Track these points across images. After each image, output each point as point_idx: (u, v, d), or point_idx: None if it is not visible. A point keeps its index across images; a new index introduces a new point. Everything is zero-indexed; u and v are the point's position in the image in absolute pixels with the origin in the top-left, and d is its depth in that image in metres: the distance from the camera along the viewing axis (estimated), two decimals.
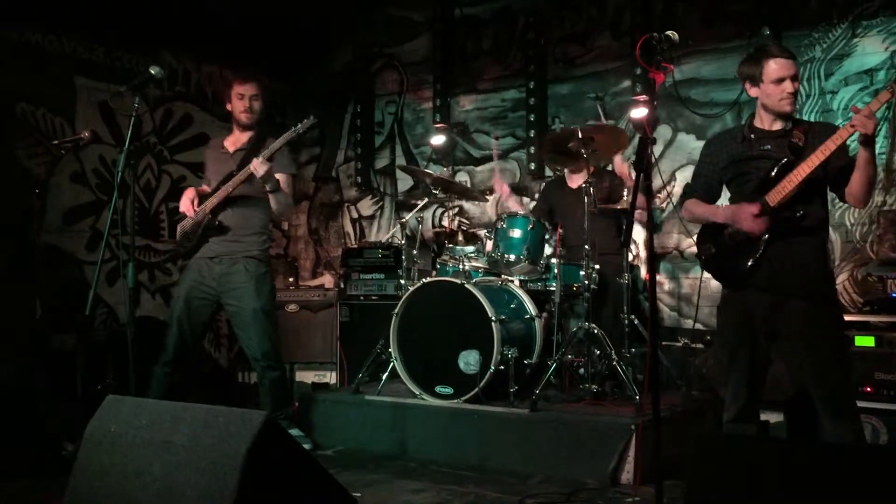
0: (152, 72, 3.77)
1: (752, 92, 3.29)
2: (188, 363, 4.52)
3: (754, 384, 3.26)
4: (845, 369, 3.23)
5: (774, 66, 3.20)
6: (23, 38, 5.46)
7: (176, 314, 4.44)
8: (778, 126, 3.28)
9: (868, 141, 3.02)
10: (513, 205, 5.55)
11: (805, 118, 5.22)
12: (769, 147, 3.25)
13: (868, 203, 3.42)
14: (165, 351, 4.40)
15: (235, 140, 4.59)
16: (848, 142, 3.11)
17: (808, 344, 3.14)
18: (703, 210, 3.42)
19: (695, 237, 3.55)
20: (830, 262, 3.33)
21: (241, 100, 4.49)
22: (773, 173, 3.17)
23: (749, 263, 3.19)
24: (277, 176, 4.36)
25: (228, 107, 4.57)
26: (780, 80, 3.20)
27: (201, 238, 4.43)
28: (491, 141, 6.48)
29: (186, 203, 4.47)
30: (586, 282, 4.50)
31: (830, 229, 5.13)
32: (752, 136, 3.30)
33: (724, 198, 3.51)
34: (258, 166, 4.18)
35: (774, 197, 3.15)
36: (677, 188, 5.46)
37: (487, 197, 6.36)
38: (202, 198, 4.49)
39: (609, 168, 5.26)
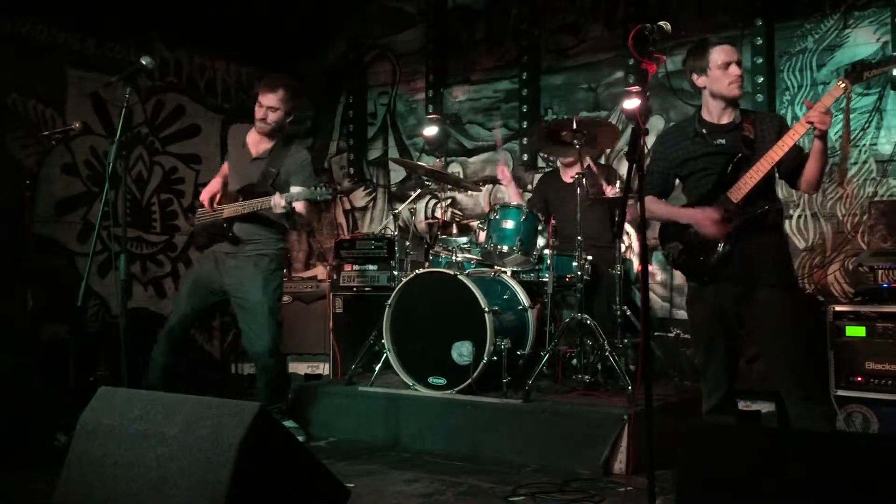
0: (143, 62, 3.74)
1: (700, 82, 3.38)
2: (185, 347, 4.51)
3: (732, 373, 3.33)
4: (812, 353, 3.32)
5: (719, 52, 3.32)
6: (14, 29, 5.43)
7: (186, 292, 4.49)
8: (727, 118, 3.37)
9: (823, 134, 3.11)
10: (513, 193, 5.50)
11: (795, 111, 5.25)
12: (723, 141, 3.34)
13: (819, 189, 3.52)
14: (169, 322, 4.45)
15: (257, 143, 4.53)
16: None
17: (776, 329, 3.23)
18: (665, 211, 3.49)
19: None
20: (790, 250, 3.45)
21: (260, 108, 4.43)
22: (730, 169, 3.25)
23: (717, 259, 3.25)
24: (296, 205, 4.31)
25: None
26: (726, 65, 3.30)
27: (212, 238, 4.47)
28: (494, 133, 6.43)
29: (208, 195, 4.54)
30: (579, 273, 4.51)
31: (822, 219, 5.18)
32: (704, 130, 3.36)
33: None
34: (277, 205, 4.18)
35: (737, 194, 3.25)
36: None
37: (480, 188, 6.35)
38: (224, 193, 4.53)
39: (602, 162, 5.27)
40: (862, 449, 2.17)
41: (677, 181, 3.59)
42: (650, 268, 5.71)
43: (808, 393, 3.25)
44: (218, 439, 2.48)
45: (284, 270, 7.12)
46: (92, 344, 5.29)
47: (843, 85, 3.13)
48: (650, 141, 5.60)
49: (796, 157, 3.28)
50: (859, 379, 4.16)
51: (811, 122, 3.10)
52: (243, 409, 2.55)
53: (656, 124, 5.75)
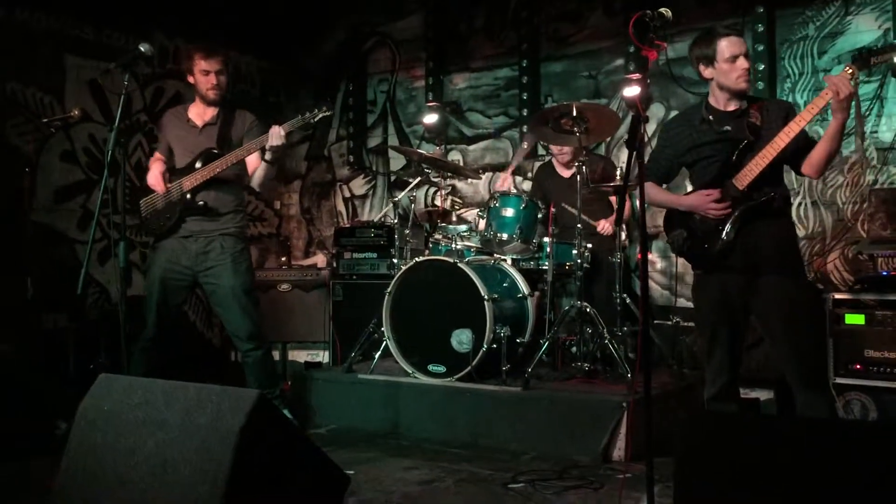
0: (142, 49, 3.72)
1: (707, 73, 3.34)
2: (167, 342, 4.43)
3: (735, 361, 3.32)
4: (819, 342, 3.30)
5: (727, 45, 3.27)
6: (11, 16, 5.40)
7: (154, 299, 4.30)
8: (734, 106, 3.34)
9: (841, 107, 3.04)
10: (504, 184, 5.51)
11: (800, 97, 5.23)
12: (729, 128, 3.31)
13: (822, 174, 3.49)
14: (145, 330, 4.31)
15: (201, 113, 4.42)
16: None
17: (783, 316, 3.22)
18: (666, 198, 3.48)
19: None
20: (797, 238, 3.43)
21: (207, 76, 4.32)
22: (735, 156, 3.23)
23: (722, 246, 3.24)
24: (251, 162, 4.27)
25: (191, 79, 4.41)
26: (733, 58, 3.25)
27: (179, 218, 4.29)
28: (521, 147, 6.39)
29: (157, 178, 4.31)
30: (579, 261, 4.51)
31: (822, 207, 5.17)
32: (711, 117, 3.34)
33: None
34: (276, 136, 4.08)
35: (742, 181, 3.22)
36: None
37: (480, 175, 6.35)
38: (172, 173, 4.36)
39: (601, 154, 5.26)
40: (860, 437, 2.17)
41: (683, 169, 3.57)
42: (650, 256, 5.71)
43: (815, 382, 3.24)
44: (218, 426, 2.49)
45: (284, 259, 7.18)
46: (92, 332, 5.29)
47: (851, 71, 3.09)
48: (650, 129, 5.63)
49: (802, 143, 3.24)
50: (858, 367, 4.16)
51: (829, 90, 3.04)
52: (243, 396, 2.55)
53: (656, 112, 5.74)
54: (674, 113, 5.70)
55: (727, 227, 3.24)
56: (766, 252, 3.23)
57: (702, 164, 3.38)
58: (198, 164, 4.27)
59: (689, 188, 3.52)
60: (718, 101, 3.37)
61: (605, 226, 4.96)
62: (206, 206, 4.27)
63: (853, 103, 3.11)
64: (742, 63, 3.25)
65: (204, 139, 4.36)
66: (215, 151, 4.28)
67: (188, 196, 4.25)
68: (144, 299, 4.40)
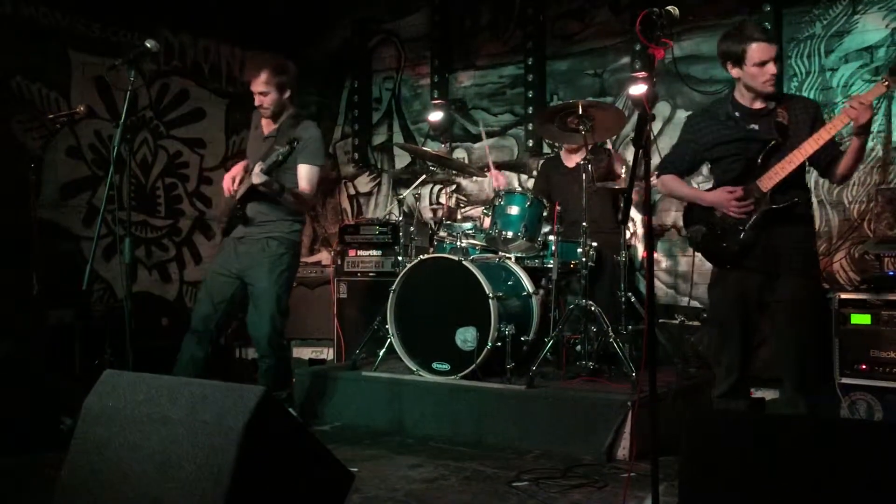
0: (148, 45, 3.71)
1: (735, 73, 3.32)
2: (215, 336, 4.44)
3: (746, 360, 3.32)
4: (815, 346, 3.32)
5: (756, 50, 3.23)
6: (17, 12, 5.41)
7: (205, 288, 4.44)
8: (760, 104, 3.31)
9: (862, 130, 3.05)
10: (498, 180, 5.49)
11: (807, 95, 5.21)
12: (755, 127, 3.28)
13: (848, 182, 3.49)
14: (192, 322, 4.38)
15: (268, 123, 4.45)
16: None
17: (791, 316, 3.23)
18: (688, 192, 3.47)
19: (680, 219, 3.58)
20: (816, 242, 3.42)
21: (254, 95, 4.33)
22: (761, 156, 3.21)
23: (741, 246, 3.22)
24: (299, 167, 4.25)
25: None
26: (762, 63, 3.23)
27: (230, 223, 4.39)
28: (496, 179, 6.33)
29: (227, 179, 4.41)
30: (583, 259, 4.50)
31: (828, 207, 5.16)
32: (737, 114, 3.32)
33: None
34: (255, 177, 4.05)
35: (767, 183, 3.20)
36: None
37: (485, 173, 6.34)
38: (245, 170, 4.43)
39: (607, 146, 5.24)
40: (866, 436, 2.17)
41: (705, 164, 3.56)
42: (655, 254, 5.70)
43: (802, 383, 3.27)
44: (222, 423, 2.49)
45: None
46: (97, 328, 5.29)
47: (887, 83, 3.06)
48: (656, 127, 5.61)
49: (831, 151, 3.23)
50: (864, 367, 4.16)
51: (849, 115, 3.04)
52: (248, 393, 2.55)
53: (662, 110, 5.73)
54: (680, 112, 5.70)
55: (747, 228, 3.22)
56: (786, 256, 3.22)
57: (726, 161, 3.35)
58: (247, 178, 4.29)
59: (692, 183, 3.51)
60: (745, 98, 3.34)
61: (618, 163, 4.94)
62: (246, 216, 4.30)
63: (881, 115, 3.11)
64: (770, 69, 3.23)
65: (263, 150, 4.32)
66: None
67: (238, 205, 4.33)
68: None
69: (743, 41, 3.26)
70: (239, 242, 4.37)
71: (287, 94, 4.38)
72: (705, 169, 3.79)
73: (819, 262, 3.50)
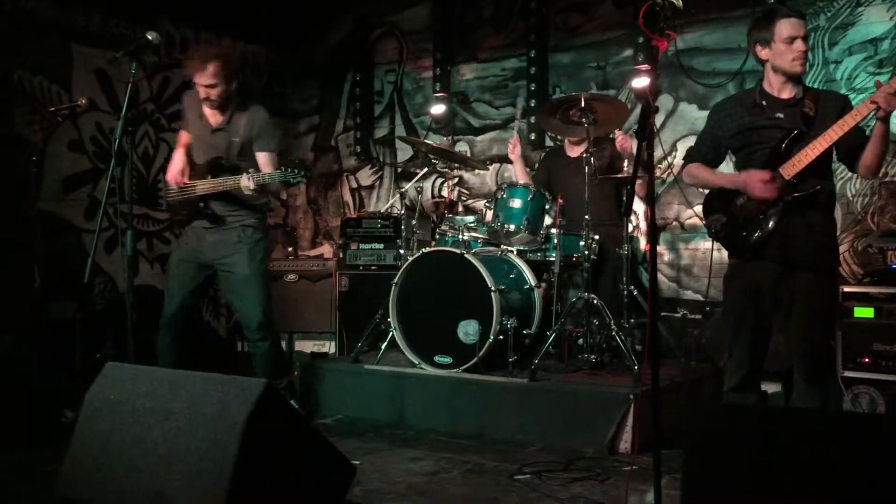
0: (149, 37, 3.70)
1: (763, 54, 3.28)
2: (189, 329, 4.46)
3: (758, 353, 3.30)
4: (829, 342, 3.29)
5: (786, 25, 3.21)
6: (18, 6, 5.40)
7: (174, 280, 4.38)
8: (788, 93, 3.28)
9: (886, 117, 3.02)
10: (519, 171, 5.41)
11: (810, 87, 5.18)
12: (781, 116, 3.25)
13: (878, 174, 3.44)
14: (163, 317, 4.34)
15: (213, 113, 4.33)
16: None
17: (806, 311, 3.20)
18: (711, 176, 3.42)
19: (696, 207, 3.55)
20: (836, 234, 3.38)
21: (200, 88, 4.20)
22: (784, 145, 3.18)
23: (761, 235, 3.20)
24: (258, 155, 4.25)
25: None
26: (791, 39, 3.20)
27: (190, 215, 4.33)
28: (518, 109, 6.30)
29: (175, 174, 4.31)
30: (586, 252, 4.49)
31: None
32: (764, 102, 3.29)
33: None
34: (245, 188, 4.05)
35: (789, 170, 3.16)
36: (678, 158, 5.42)
37: (487, 166, 6.33)
38: (191, 167, 4.34)
39: (610, 137, 5.21)
40: (869, 429, 2.16)
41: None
42: (657, 248, 5.69)
43: (815, 377, 3.25)
44: (224, 416, 2.49)
45: (290, 249, 7.18)
46: (99, 321, 5.31)
47: None
48: (659, 120, 5.59)
49: (857, 139, 3.17)
50: (867, 360, 4.14)
51: (875, 102, 3.00)
52: (250, 385, 2.55)
53: (665, 103, 5.71)
54: (683, 104, 5.68)
55: (768, 217, 3.20)
56: (804, 247, 3.18)
57: (749, 149, 3.32)
58: (209, 175, 4.25)
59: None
60: (773, 86, 3.30)
61: (620, 137, 4.87)
62: (215, 214, 4.27)
63: None
64: (799, 45, 3.19)
65: (216, 142, 4.30)
66: (223, 162, 4.26)
67: (201, 204, 4.28)
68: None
69: (771, 20, 3.24)
70: (207, 232, 4.32)
71: (235, 85, 4.30)
72: (730, 165, 3.76)
73: (838, 253, 3.44)
